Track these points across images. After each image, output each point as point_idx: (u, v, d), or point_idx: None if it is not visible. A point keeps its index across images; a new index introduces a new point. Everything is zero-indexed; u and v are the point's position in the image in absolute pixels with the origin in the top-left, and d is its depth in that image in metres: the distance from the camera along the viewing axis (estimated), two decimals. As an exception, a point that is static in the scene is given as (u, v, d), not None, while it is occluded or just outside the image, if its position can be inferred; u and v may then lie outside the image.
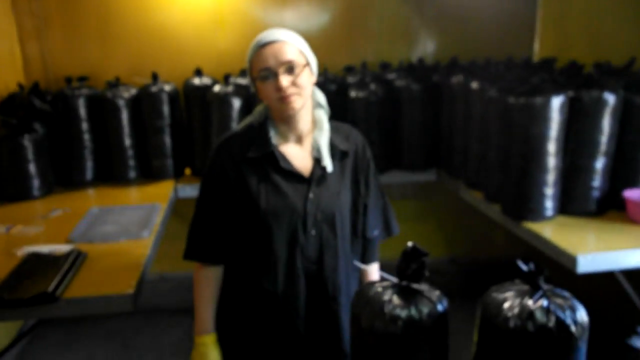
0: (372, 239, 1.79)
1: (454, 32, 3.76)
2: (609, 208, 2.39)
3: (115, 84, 3.15)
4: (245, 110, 3.04)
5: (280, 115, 1.60)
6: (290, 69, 1.53)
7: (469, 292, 3.87)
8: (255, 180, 1.59)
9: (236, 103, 3.00)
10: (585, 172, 2.33)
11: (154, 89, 3.10)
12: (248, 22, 3.56)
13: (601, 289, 2.01)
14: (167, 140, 3.15)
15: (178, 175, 3.22)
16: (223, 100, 2.99)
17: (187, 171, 3.32)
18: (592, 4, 3.29)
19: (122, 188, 3.06)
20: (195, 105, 3.17)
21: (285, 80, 1.52)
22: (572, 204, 2.38)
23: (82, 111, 3.07)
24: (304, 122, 1.63)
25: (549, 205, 2.32)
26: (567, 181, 2.36)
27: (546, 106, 2.24)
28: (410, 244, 1.27)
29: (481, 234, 4.00)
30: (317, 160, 1.63)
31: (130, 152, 3.12)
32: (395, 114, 3.20)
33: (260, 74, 1.54)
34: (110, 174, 3.14)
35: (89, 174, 3.12)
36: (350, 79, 3.25)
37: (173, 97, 3.16)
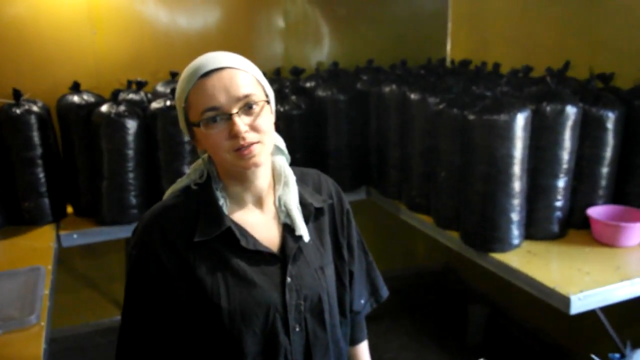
0: (359, 312, 1.40)
1: (366, 33, 3.46)
2: (568, 227, 2.24)
3: (-40, 105, 2.41)
4: (142, 133, 2.47)
5: (232, 173, 1.15)
6: (248, 107, 1.08)
7: (399, 309, 3.68)
8: (209, 271, 1.10)
9: (131, 125, 2.43)
10: (548, 193, 2.14)
11: (17, 110, 2.41)
12: (132, 22, 2.94)
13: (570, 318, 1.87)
14: (41, 174, 2.47)
15: (58, 217, 2.56)
16: (114, 122, 2.39)
17: (69, 209, 2.67)
18: (509, 4, 3.17)
19: (-18, 243, 2.34)
20: (76, 129, 2.52)
21: (242, 123, 1.07)
22: (534, 227, 2.18)
23: None
24: (264, 177, 1.18)
25: (516, 232, 2.10)
26: (528, 203, 2.15)
27: (511, 123, 2.00)
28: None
29: (402, 246, 3.80)
30: (286, 227, 1.19)
31: (-10, 194, 2.41)
32: (319, 127, 2.82)
33: (204, 116, 1.07)
34: (-36, 225, 2.40)
35: None
36: (264, 89, 2.81)
37: (44, 119, 2.48)
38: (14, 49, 2.74)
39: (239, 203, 1.18)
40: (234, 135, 1.06)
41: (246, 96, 1.08)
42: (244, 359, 1.11)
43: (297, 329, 1.16)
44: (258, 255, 1.14)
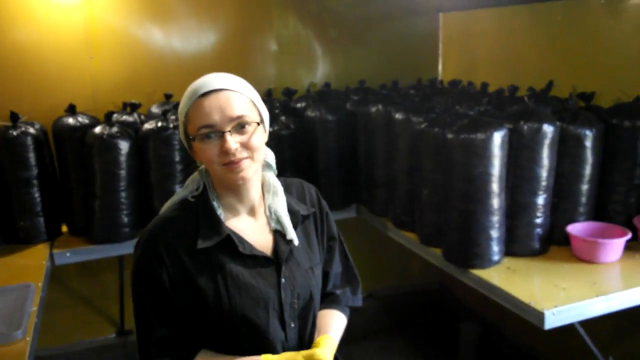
0: (334, 288, 1.48)
1: (358, 55, 3.53)
2: (549, 244, 2.26)
3: (-41, 128, 2.50)
4: (134, 154, 2.54)
5: (225, 184, 1.25)
6: (240, 126, 1.18)
7: (391, 327, 3.69)
8: (209, 277, 1.20)
9: (123, 146, 2.50)
10: (527, 210, 2.17)
11: (14, 132, 2.49)
12: (127, 46, 3.04)
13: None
14: (36, 194, 2.54)
15: (53, 236, 2.62)
16: (107, 143, 2.46)
17: (64, 228, 2.73)
18: (497, 26, 3.23)
19: (-22, 261, 2.40)
20: (70, 150, 2.60)
21: (233, 141, 1.16)
22: (515, 244, 2.21)
23: None
24: (255, 189, 1.29)
25: (496, 249, 2.13)
26: (509, 220, 2.19)
27: (488, 142, 2.04)
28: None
29: (397, 264, 3.82)
30: (277, 233, 1.30)
31: (-14, 214, 2.48)
32: (309, 147, 2.88)
33: (199, 132, 1.17)
34: (-39, 243, 2.47)
35: None
36: (255, 110, 2.88)
37: (40, 141, 2.56)
38: (14, 73, 2.84)
39: (233, 212, 1.27)
40: (225, 151, 1.16)
41: (239, 117, 1.17)
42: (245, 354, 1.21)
43: (292, 325, 1.26)
44: (254, 259, 1.24)
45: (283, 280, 1.25)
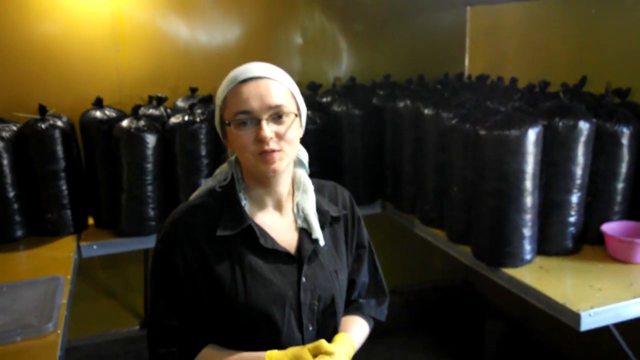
0: (359, 295, 1.42)
1: (384, 49, 3.49)
2: (583, 243, 2.22)
3: (-11, 120, 2.51)
4: (161, 147, 2.54)
5: (255, 175, 1.22)
6: (277, 116, 1.16)
7: (415, 323, 3.66)
8: (227, 267, 1.18)
9: (150, 140, 2.49)
10: (561, 208, 2.13)
11: (42, 125, 2.50)
12: (154, 40, 3.02)
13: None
14: (63, 187, 2.54)
15: (79, 228, 2.63)
16: (134, 136, 2.46)
17: (91, 221, 2.74)
18: (526, 19, 3.17)
19: (7, 253, 2.41)
20: (97, 143, 2.60)
21: (269, 130, 1.14)
22: (547, 243, 2.17)
23: (-54, 158, 2.40)
24: (285, 184, 1.26)
25: (528, 247, 2.09)
26: (541, 219, 2.14)
27: (522, 139, 2.00)
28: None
29: (420, 260, 3.78)
30: (303, 231, 1.26)
31: (15, 206, 2.48)
32: (334, 142, 2.85)
33: (236, 118, 1.15)
34: (-10, 235, 2.48)
35: (-40, 237, 2.45)
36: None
37: (67, 134, 2.56)
38: (42, 66, 2.84)
39: (260, 205, 1.25)
40: (260, 139, 1.14)
41: (277, 106, 1.15)
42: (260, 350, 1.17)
43: (310, 329, 1.22)
44: (275, 254, 1.21)
45: (304, 279, 1.21)
